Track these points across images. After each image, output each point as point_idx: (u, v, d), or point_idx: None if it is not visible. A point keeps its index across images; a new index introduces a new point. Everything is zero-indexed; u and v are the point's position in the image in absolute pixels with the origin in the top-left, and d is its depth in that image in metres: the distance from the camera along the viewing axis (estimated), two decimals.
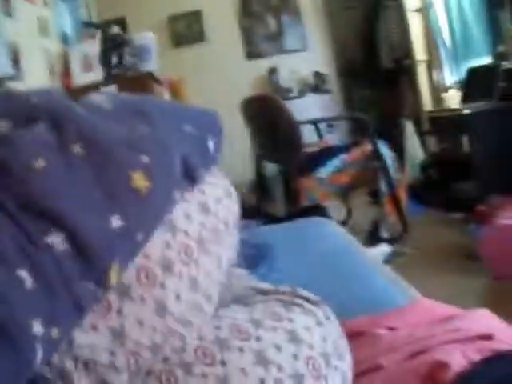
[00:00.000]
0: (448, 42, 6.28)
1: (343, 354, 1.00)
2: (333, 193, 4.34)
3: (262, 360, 0.85)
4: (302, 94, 6.98)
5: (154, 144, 0.93)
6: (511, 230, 3.25)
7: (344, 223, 4.50)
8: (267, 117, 4.13)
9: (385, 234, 4.34)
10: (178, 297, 0.88)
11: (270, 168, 4.78)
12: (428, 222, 4.85)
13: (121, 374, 0.80)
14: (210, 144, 1.10)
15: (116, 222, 0.80)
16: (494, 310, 1.28)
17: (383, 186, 4.32)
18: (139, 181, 0.83)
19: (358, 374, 1.05)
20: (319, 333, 0.97)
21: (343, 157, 4.21)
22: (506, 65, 4.76)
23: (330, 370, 0.92)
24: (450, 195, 5.00)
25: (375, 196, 5.30)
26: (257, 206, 4.01)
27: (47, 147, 0.83)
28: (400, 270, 1.96)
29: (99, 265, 0.78)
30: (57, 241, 0.74)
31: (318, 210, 3.50)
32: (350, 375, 0.99)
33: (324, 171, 4.16)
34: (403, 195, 4.42)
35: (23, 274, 0.69)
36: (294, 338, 0.92)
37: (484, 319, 1.25)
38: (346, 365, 0.99)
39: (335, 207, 4.39)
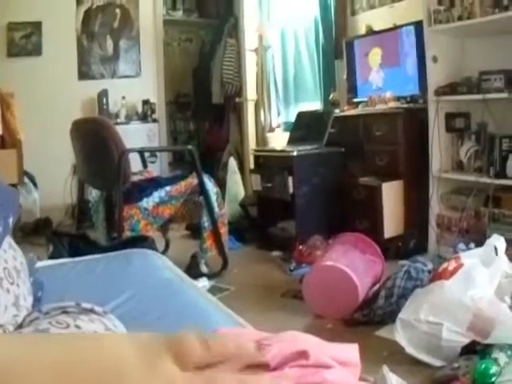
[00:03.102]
0: (280, 84, 6.47)
1: None
2: (155, 224, 4.28)
3: None
4: (128, 120, 6.92)
5: None
6: (328, 271, 3.36)
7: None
8: (97, 141, 4.01)
9: (204, 269, 4.35)
10: None
11: (93, 193, 4.64)
12: (247, 259, 4.92)
13: None
14: (10, 220, 1.25)
15: None
16: None
17: (205, 221, 4.33)
18: None
19: None
20: None
21: (168, 188, 4.19)
22: (336, 112, 4.99)
23: None
24: (270, 233, 5.11)
25: (193, 230, 5.31)
26: (82, 234, 3.85)
27: None
28: None
29: None
30: None
31: (144, 242, 3.43)
32: None
33: (148, 201, 4.12)
34: (224, 231, 4.45)
35: None
36: None
37: (295, 338, 1.32)
38: None
39: (155, 239, 4.33)
